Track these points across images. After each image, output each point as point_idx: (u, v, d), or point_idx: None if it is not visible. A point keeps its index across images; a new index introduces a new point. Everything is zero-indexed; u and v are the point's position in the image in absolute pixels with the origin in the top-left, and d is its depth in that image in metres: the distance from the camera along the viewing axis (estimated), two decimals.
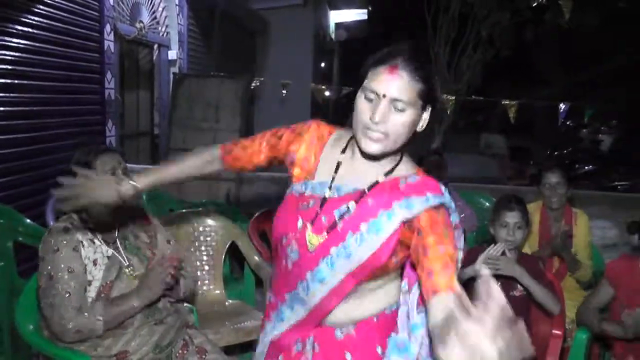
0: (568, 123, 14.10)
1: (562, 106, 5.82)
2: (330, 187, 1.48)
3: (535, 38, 9.25)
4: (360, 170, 1.47)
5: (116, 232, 2.17)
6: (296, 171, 1.55)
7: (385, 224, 1.38)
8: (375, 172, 1.46)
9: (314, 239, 1.44)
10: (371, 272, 1.42)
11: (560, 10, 6.05)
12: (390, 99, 1.34)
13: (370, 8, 14.48)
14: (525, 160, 11.26)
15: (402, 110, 1.35)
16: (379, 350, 1.51)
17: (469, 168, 9.34)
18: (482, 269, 2.45)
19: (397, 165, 1.47)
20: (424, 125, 1.42)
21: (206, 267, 3.36)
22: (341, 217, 1.43)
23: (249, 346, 3.21)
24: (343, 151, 1.51)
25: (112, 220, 2.15)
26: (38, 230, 3.48)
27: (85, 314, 1.95)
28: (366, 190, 1.44)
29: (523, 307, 2.72)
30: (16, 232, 3.40)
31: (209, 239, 3.42)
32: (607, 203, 5.13)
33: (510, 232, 2.62)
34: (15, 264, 3.21)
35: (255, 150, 1.70)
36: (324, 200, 1.46)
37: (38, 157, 4.25)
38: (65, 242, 2.01)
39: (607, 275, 2.64)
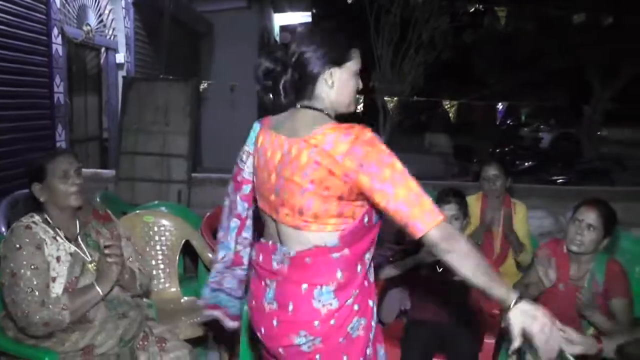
0: (508, 122, 14.67)
1: (500, 106, 6.11)
2: None
3: (475, 41, 9.58)
4: None
5: (77, 229, 2.24)
6: None
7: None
8: None
9: None
10: None
11: (497, 16, 6.33)
12: None
13: (314, 11, 14.62)
14: (469, 158, 11.64)
15: None
16: None
17: (415, 167, 9.52)
18: (428, 257, 2.64)
19: None
20: None
21: (161, 266, 3.44)
22: None
23: (204, 340, 3.34)
24: None
25: (73, 219, 2.23)
26: None
27: (50, 306, 2.02)
28: None
29: (464, 290, 2.92)
30: None
31: (163, 238, 3.50)
32: (544, 195, 5.48)
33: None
34: None
35: None
36: None
37: None
38: (27, 240, 2.07)
39: (535, 255, 2.88)
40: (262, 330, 1.70)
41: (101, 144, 7.02)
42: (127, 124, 5.35)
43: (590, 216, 2.63)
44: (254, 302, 1.75)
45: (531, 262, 3.07)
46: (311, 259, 1.59)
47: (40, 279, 2.04)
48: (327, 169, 1.52)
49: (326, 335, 1.60)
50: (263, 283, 1.71)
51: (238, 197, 1.88)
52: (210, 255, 3.38)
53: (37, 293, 2.02)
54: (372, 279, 1.74)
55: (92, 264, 2.20)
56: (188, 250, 3.63)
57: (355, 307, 1.63)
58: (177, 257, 3.48)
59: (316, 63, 1.63)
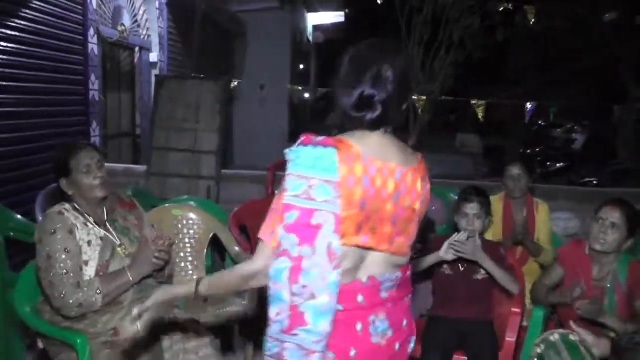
0: (539, 122, 14.48)
1: (529, 105, 6.08)
2: None
3: (506, 40, 9.52)
4: None
5: (105, 216, 2.37)
6: None
7: None
8: None
9: None
10: None
11: (527, 15, 6.31)
12: None
13: (347, 10, 14.67)
14: (499, 159, 11.55)
15: None
16: None
17: (445, 167, 9.59)
18: (447, 255, 2.69)
19: None
20: None
21: (189, 259, 3.53)
22: None
23: (230, 329, 3.43)
24: None
25: (100, 207, 2.36)
26: (28, 226, 3.61)
27: (85, 289, 2.14)
28: None
29: (486, 289, 2.94)
30: (7, 228, 3.53)
31: (191, 231, 3.59)
32: (571, 197, 5.44)
33: (469, 221, 2.85)
34: (6, 258, 3.36)
35: None
36: None
37: (26, 156, 4.38)
38: (60, 225, 2.20)
39: (557, 256, 2.89)
40: None
41: (134, 140, 7.18)
42: (158, 121, 5.47)
43: (614, 215, 2.64)
44: (351, 353, 1.54)
45: (552, 262, 3.08)
46: (409, 272, 1.70)
47: (74, 262, 2.17)
48: (427, 199, 1.65)
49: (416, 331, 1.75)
50: (362, 325, 1.55)
51: (335, 241, 1.47)
52: (237, 248, 3.46)
53: (72, 275, 2.14)
54: None
55: (122, 247, 2.33)
56: (216, 244, 3.72)
57: None
58: (205, 250, 3.56)
59: (413, 91, 1.66)
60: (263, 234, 1.54)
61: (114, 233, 2.35)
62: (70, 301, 2.11)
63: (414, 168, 1.60)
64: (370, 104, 1.54)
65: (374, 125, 1.57)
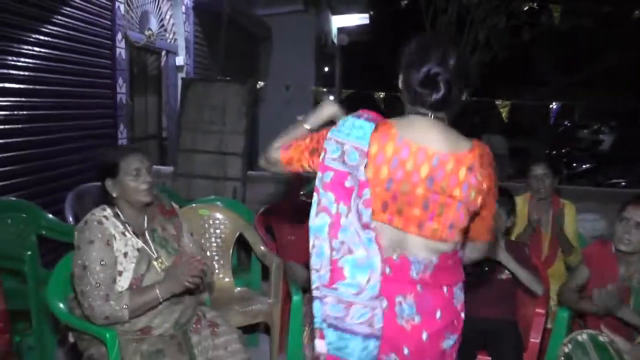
0: (566, 123, 14.30)
1: (553, 106, 6.03)
2: None
3: (532, 40, 9.43)
4: None
5: (145, 224, 2.37)
6: None
7: None
8: None
9: None
10: None
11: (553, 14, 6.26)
12: None
13: (371, 12, 14.65)
14: (525, 160, 11.42)
15: None
16: None
17: None
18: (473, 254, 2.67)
19: None
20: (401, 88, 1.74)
21: (216, 257, 3.59)
22: None
23: (255, 327, 3.47)
24: None
25: (141, 214, 2.36)
26: (59, 225, 3.73)
27: (112, 302, 2.14)
28: None
29: (510, 289, 2.95)
30: (39, 226, 3.65)
31: (218, 231, 3.65)
32: (597, 198, 5.39)
33: None
34: (38, 255, 3.45)
35: None
36: None
37: (56, 158, 4.47)
38: (100, 236, 2.20)
39: (583, 257, 2.88)
40: (406, 350, 1.63)
41: (160, 142, 7.27)
42: (185, 124, 5.54)
43: (638, 214, 2.62)
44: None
45: (579, 263, 3.07)
46: (452, 261, 1.68)
47: (107, 274, 2.17)
48: (477, 188, 1.62)
49: (462, 328, 1.71)
50: (388, 302, 1.61)
51: (361, 205, 1.59)
52: (262, 248, 3.51)
53: (103, 287, 2.14)
54: None
55: (158, 261, 2.31)
56: (242, 243, 3.77)
57: None
58: (231, 250, 3.62)
59: (471, 83, 1.71)
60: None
61: (151, 245, 2.33)
62: (98, 312, 2.13)
63: (458, 155, 1.62)
64: (435, 82, 1.62)
65: (436, 105, 1.64)
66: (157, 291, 2.18)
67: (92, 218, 2.25)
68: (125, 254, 2.24)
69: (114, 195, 2.30)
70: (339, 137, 1.61)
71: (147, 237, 2.34)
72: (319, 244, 1.58)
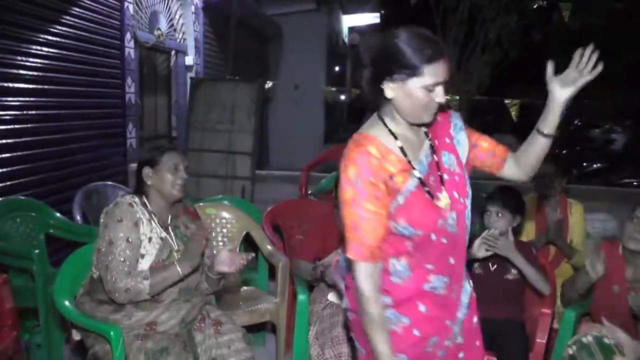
0: (577, 122, 14.18)
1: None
2: (429, 162, 1.72)
3: (544, 39, 9.38)
4: (418, 133, 1.75)
5: (169, 220, 2.44)
6: (397, 179, 1.64)
7: (464, 148, 1.78)
8: (421, 130, 1.75)
9: (444, 199, 1.69)
10: None
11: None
12: (443, 85, 1.62)
13: (382, 12, 14.64)
14: None
15: (442, 86, 1.63)
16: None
17: None
18: (479, 251, 2.67)
19: None
20: None
21: None
22: (450, 165, 1.74)
23: (262, 326, 3.47)
24: (395, 138, 1.70)
25: (167, 209, 2.44)
26: (67, 224, 3.76)
27: (135, 276, 2.21)
28: (435, 143, 1.75)
29: (517, 289, 2.93)
30: (47, 225, 3.68)
31: (225, 230, 3.66)
32: (608, 198, 5.34)
33: (493, 219, 2.85)
34: (46, 253, 3.47)
35: (381, 226, 1.65)
36: (437, 163, 1.72)
37: (65, 157, 4.50)
38: (128, 216, 2.28)
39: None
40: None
41: (170, 142, 7.29)
42: (194, 123, 5.56)
43: None
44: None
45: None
46: None
47: (132, 253, 2.25)
48: None
49: None
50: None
51: None
52: (269, 247, 3.50)
53: (127, 263, 2.22)
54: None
55: (178, 253, 2.37)
56: (249, 242, 3.78)
57: None
58: (238, 249, 3.63)
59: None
60: None
61: (174, 238, 2.41)
62: (119, 285, 2.18)
63: None
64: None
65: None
66: (177, 267, 2.26)
67: (123, 200, 2.34)
68: (150, 239, 2.31)
69: (149, 183, 2.38)
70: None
71: (170, 230, 2.42)
72: None
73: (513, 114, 5.79)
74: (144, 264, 2.27)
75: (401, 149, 1.68)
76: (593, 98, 8.43)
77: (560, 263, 3.54)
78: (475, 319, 1.88)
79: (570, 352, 2.37)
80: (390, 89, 1.62)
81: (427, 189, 1.67)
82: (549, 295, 2.86)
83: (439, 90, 1.60)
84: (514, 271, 2.87)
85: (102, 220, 2.31)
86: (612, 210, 4.92)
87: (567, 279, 2.94)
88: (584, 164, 10.95)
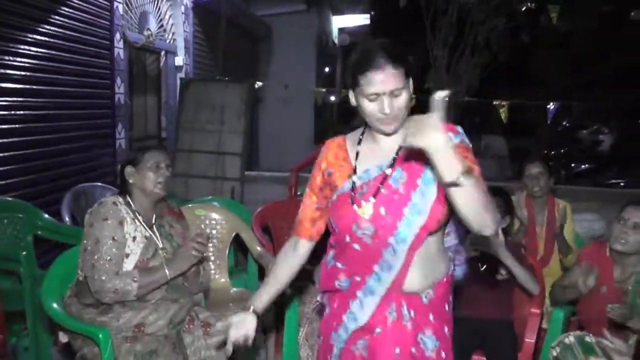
0: (565, 123, 14.30)
1: (551, 106, 6.03)
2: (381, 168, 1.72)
3: (532, 41, 9.43)
4: (387, 146, 1.74)
5: (153, 219, 2.45)
6: (337, 177, 1.77)
7: (432, 172, 1.62)
8: (397, 141, 1.70)
9: (366, 209, 1.68)
10: (437, 222, 1.66)
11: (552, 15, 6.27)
12: (389, 92, 1.60)
13: (372, 13, 14.65)
14: (524, 161, 11.38)
15: (399, 95, 1.62)
16: (446, 307, 1.79)
17: None
18: (469, 253, 2.69)
19: None
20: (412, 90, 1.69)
21: (212, 258, 3.59)
22: (397, 183, 1.69)
23: None
24: (359, 142, 1.79)
25: (151, 209, 2.45)
26: (55, 225, 3.74)
27: (123, 277, 2.23)
28: (396, 157, 1.71)
29: (506, 290, 2.95)
30: (35, 227, 3.66)
31: (214, 231, 3.65)
32: (595, 199, 5.39)
33: None
34: (34, 255, 3.45)
35: (311, 209, 1.87)
36: (384, 177, 1.70)
37: (54, 158, 4.46)
38: (113, 214, 2.30)
39: (579, 257, 2.88)
40: None
41: (159, 143, 7.25)
42: (183, 123, 5.55)
43: (636, 215, 2.62)
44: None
45: (573, 264, 3.07)
46: None
47: (118, 251, 2.27)
48: None
49: None
50: None
51: None
52: (259, 248, 3.50)
53: (114, 262, 2.24)
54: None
55: (164, 251, 2.40)
56: (238, 244, 3.77)
57: None
58: (227, 250, 3.62)
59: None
60: None
61: (158, 236, 2.43)
62: (108, 285, 2.20)
63: None
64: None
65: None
66: (166, 270, 2.30)
67: (107, 200, 2.37)
68: (134, 238, 2.33)
69: (131, 181, 2.40)
70: None
71: (155, 229, 2.44)
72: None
73: (503, 115, 5.82)
74: (129, 264, 2.29)
75: (357, 153, 1.77)
76: (580, 100, 8.47)
77: (549, 262, 3.57)
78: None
79: (555, 353, 2.38)
80: (352, 98, 1.71)
81: (352, 194, 1.71)
82: (538, 295, 2.88)
83: (383, 100, 1.61)
84: (503, 271, 2.88)
85: (87, 219, 2.33)
86: (600, 210, 4.97)
87: (556, 283, 2.95)
88: (572, 164, 11.04)
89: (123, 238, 2.30)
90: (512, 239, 3.45)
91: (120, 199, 2.39)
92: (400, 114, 1.65)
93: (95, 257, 2.23)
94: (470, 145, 1.70)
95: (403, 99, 1.63)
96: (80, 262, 2.34)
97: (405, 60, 1.63)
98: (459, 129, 1.71)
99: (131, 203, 2.40)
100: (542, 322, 2.99)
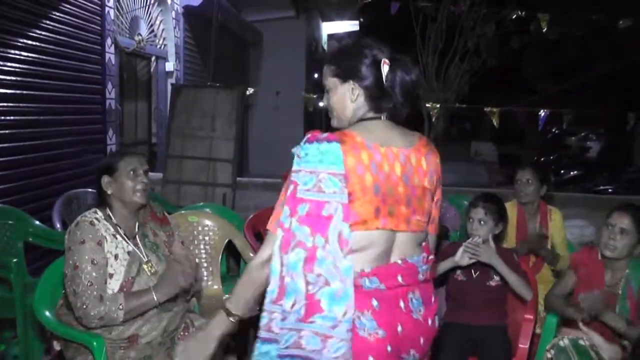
0: (554, 130, 14.42)
1: (542, 113, 6.07)
2: None
3: (521, 48, 9.50)
4: None
5: (136, 228, 2.37)
6: None
7: None
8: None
9: None
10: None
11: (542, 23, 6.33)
12: (326, 90, 1.77)
13: (361, 19, 14.71)
14: (514, 167, 11.47)
15: (329, 92, 1.76)
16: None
17: (460, 175, 9.60)
18: (462, 259, 2.70)
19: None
20: (355, 97, 1.71)
21: (205, 265, 3.57)
22: None
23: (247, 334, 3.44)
24: None
25: (133, 218, 2.37)
26: (46, 231, 3.70)
27: (107, 302, 2.14)
28: None
29: (499, 295, 2.95)
30: (26, 233, 3.61)
31: (207, 238, 3.63)
32: (585, 205, 5.43)
33: (475, 226, 2.87)
34: (25, 262, 3.41)
35: None
36: None
37: (44, 164, 4.44)
38: (90, 236, 2.20)
39: (570, 263, 2.90)
40: (421, 341, 1.70)
41: (150, 148, 7.23)
42: (174, 129, 5.53)
43: (623, 221, 2.64)
44: (398, 328, 1.63)
45: (566, 269, 3.08)
46: (430, 251, 1.81)
47: (99, 274, 2.16)
48: (437, 172, 1.76)
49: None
50: (403, 302, 1.66)
51: (343, 228, 1.54)
52: (251, 254, 3.48)
53: (96, 287, 2.13)
54: None
55: (148, 265, 2.31)
56: (231, 250, 3.75)
57: None
58: (220, 257, 3.60)
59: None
60: (270, 225, 1.63)
61: (142, 248, 2.34)
62: (92, 313, 2.11)
63: (415, 148, 1.71)
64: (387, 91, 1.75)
65: (391, 111, 1.75)
66: (153, 294, 2.21)
67: (84, 219, 2.25)
68: (116, 256, 2.24)
69: (109, 192, 2.31)
70: (309, 166, 1.56)
71: (138, 240, 2.35)
72: (291, 281, 1.52)
73: (494, 122, 5.85)
74: (113, 284, 2.20)
75: None
76: (569, 106, 8.55)
77: (541, 269, 3.58)
78: None
79: (549, 356, 2.39)
80: None
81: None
82: (531, 301, 2.89)
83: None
84: (496, 277, 2.89)
85: (65, 241, 2.23)
86: (590, 216, 5.01)
87: (551, 292, 2.96)
88: (562, 171, 11.12)
89: (104, 259, 2.20)
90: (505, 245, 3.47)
91: (100, 214, 2.29)
92: (334, 111, 1.77)
93: (77, 282, 2.14)
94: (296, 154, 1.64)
95: (332, 97, 1.75)
96: (63, 287, 2.26)
97: (338, 61, 1.74)
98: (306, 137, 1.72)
99: (111, 216, 2.31)
100: (535, 327, 2.99)
